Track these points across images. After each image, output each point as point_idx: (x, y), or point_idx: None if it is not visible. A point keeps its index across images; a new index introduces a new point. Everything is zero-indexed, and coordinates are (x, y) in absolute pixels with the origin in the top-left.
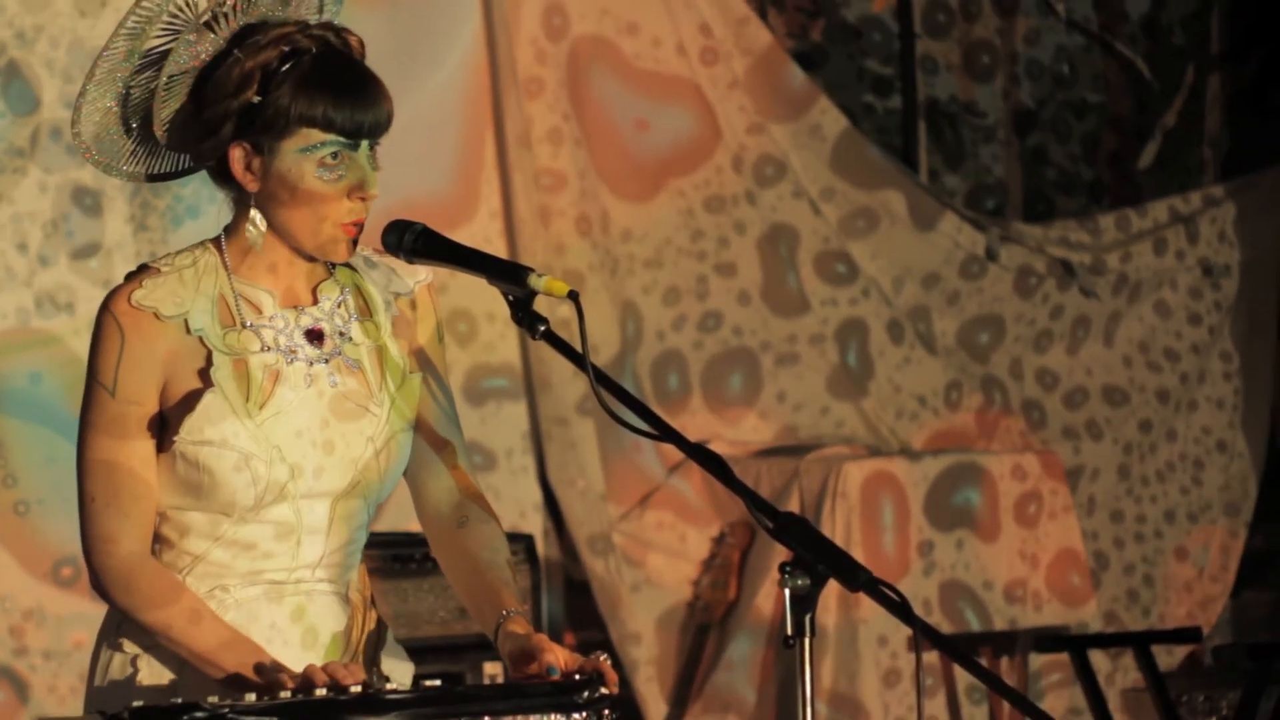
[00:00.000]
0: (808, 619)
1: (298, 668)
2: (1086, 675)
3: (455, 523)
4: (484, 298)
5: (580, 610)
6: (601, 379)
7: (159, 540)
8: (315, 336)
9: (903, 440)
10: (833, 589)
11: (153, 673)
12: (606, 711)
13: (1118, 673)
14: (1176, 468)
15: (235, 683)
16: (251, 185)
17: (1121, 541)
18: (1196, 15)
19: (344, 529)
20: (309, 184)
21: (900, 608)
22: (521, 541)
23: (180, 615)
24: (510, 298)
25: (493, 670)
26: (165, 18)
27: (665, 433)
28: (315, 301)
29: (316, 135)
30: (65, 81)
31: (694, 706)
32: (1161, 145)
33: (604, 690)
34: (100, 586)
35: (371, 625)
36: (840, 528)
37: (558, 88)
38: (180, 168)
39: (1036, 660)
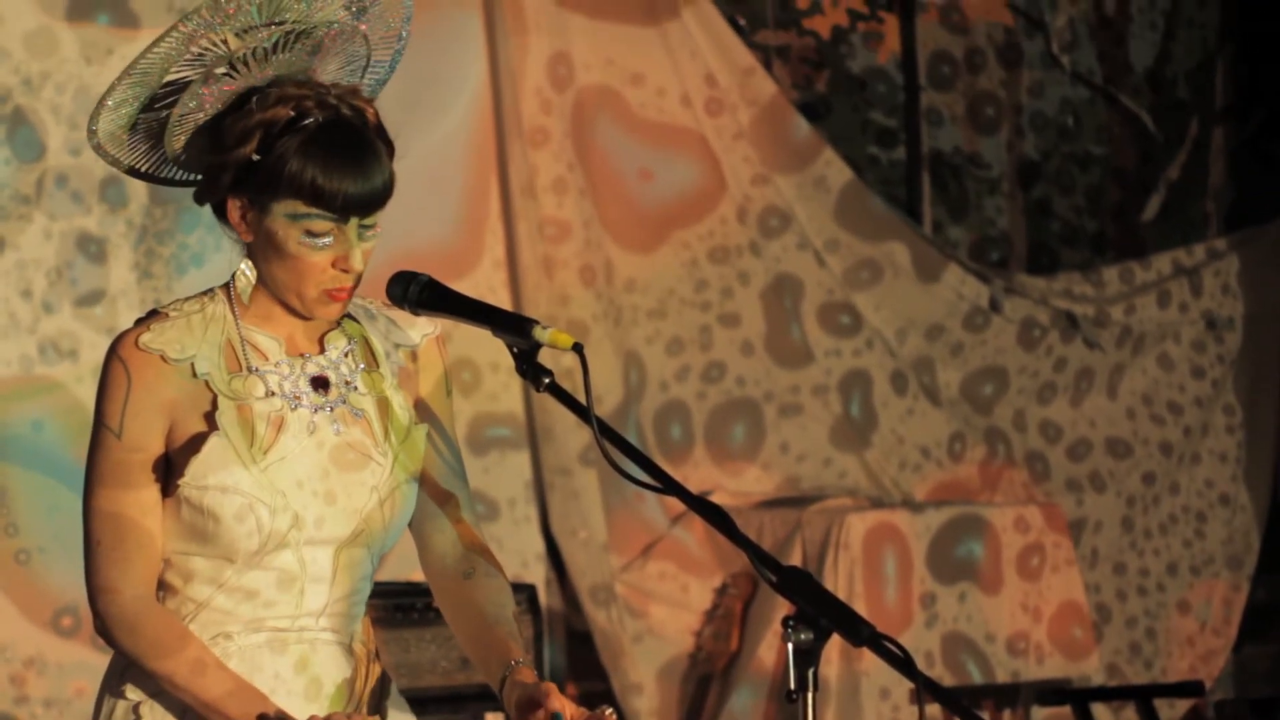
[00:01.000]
0: (811, 673)
1: (302, 718)
2: None
3: (461, 574)
4: (488, 347)
5: (582, 660)
6: (605, 431)
7: (163, 586)
8: (320, 384)
9: (905, 492)
10: (836, 641)
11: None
12: None
13: None
14: (1179, 520)
15: None
16: (245, 236)
17: (1124, 594)
18: (1201, 68)
19: (347, 578)
20: (293, 249)
21: (904, 663)
22: (524, 591)
23: (185, 664)
24: (515, 350)
25: None
26: (197, 48)
27: (668, 485)
28: (322, 350)
29: (303, 206)
30: (71, 128)
31: None
32: (1165, 198)
33: None
34: (105, 632)
35: (376, 677)
36: (843, 579)
37: (562, 138)
38: (188, 178)
39: (1039, 713)
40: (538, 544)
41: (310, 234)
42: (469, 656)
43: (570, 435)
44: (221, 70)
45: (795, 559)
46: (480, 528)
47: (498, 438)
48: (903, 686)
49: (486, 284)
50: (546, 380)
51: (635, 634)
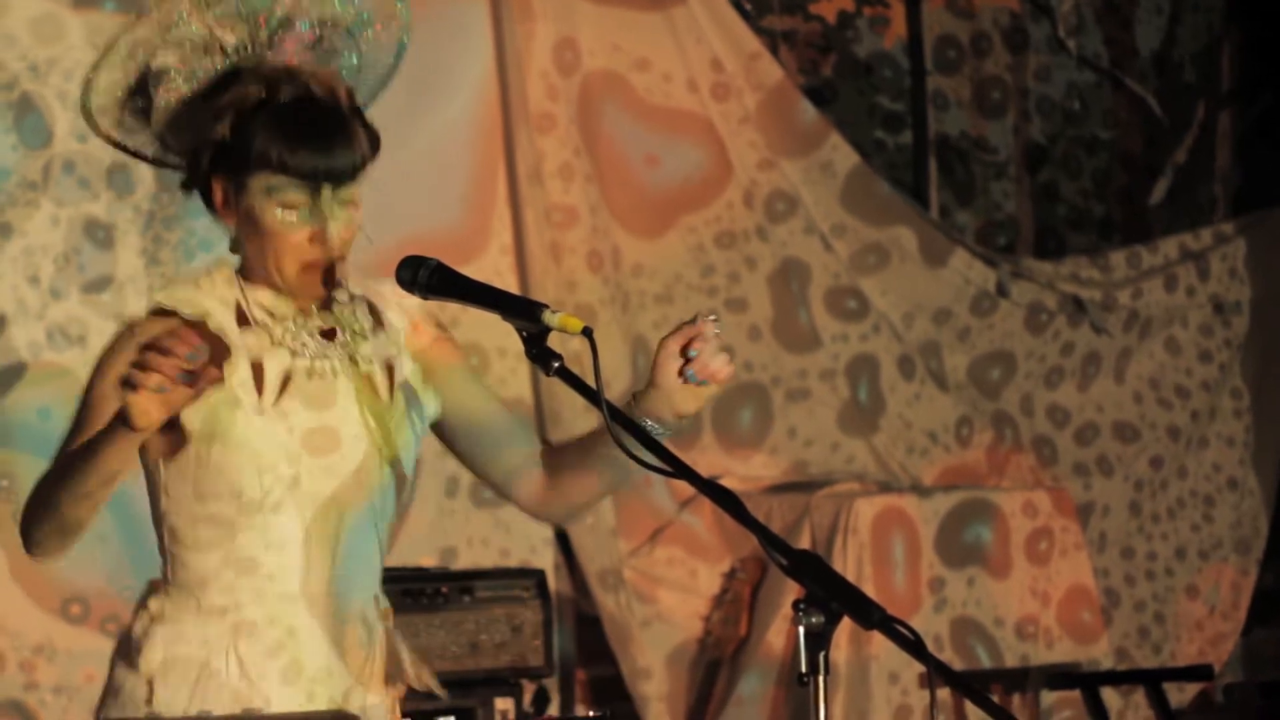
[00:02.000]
0: (822, 657)
1: (301, 691)
2: (1098, 712)
3: (549, 470)
4: (495, 332)
5: (591, 645)
6: (615, 415)
7: (171, 559)
8: (328, 335)
9: (913, 476)
10: (845, 625)
11: (168, 693)
12: None
13: (1129, 710)
14: (1187, 505)
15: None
16: (228, 219)
17: (1132, 579)
18: (1207, 52)
19: (353, 541)
20: (269, 224)
21: (914, 645)
22: (532, 576)
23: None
24: (524, 334)
25: (504, 706)
26: (178, 33)
27: (679, 469)
28: (327, 306)
29: (274, 178)
30: (78, 115)
31: None
32: (1172, 182)
33: None
34: (26, 533)
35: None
36: (851, 564)
37: (569, 123)
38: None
39: (1048, 697)
40: (546, 529)
41: (284, 207)
42: (597, 470)
43: (578, 420)
44: (202, 55)
45: (804, 544)
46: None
47: None
48: (912, 670)
49: (493, 269)
50: (556, 364)
51: (644, 619)
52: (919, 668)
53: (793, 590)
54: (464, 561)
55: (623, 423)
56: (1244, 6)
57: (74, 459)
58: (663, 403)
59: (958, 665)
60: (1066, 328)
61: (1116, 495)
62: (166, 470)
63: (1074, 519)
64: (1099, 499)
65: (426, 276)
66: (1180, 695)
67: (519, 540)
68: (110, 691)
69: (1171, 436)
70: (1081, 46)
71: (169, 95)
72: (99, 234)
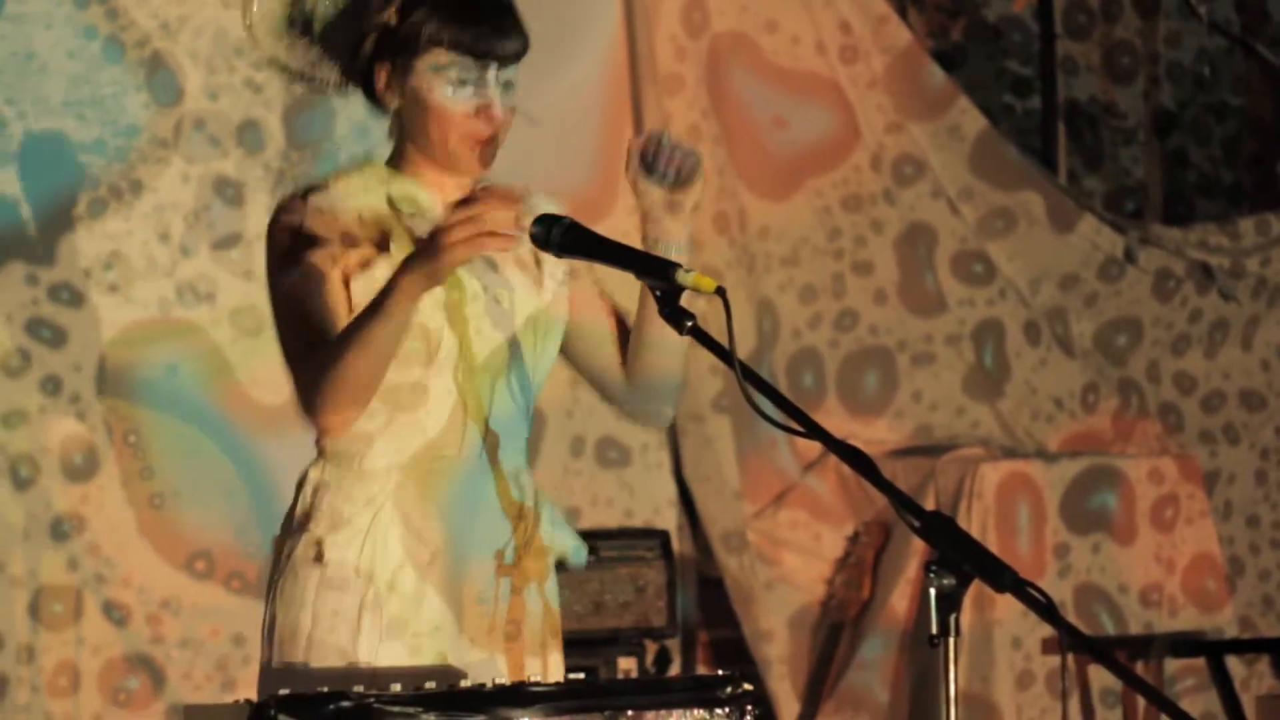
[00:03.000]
0: (953, 619)
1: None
2: (1223, 681)
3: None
4: (620, 294)
5: (713, 607)
6: (748, 375)
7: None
8: None
9: (1038, 442)
10: (968, 589)
11: (337, 553)
12: (749, 707)
13: (1253, 679)
14: None
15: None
16: (391, 102)
17: (1257, 547)
18: None
19: (502, 408)
20: (436, 101)
21: (1046, 609)
22: (656, 537)
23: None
24: (657, 292)
25: (627, 665)
26: None
27: (811, 429)
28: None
29: (445, 56)
30: (209, 72)
31: (826, 705)
32: None
33: (747, 686)
34: (312, 406)
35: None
36: (976, 529)
37: (696, 84)
38: (331, 80)
39: (1171, 665)
40: (670, 490)
41: (453, 84)
42: (650, 348)
43: (703, 382)
44: None
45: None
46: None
47: None
48: (1034, 636)
49: (620, 230)
50: (689, 323)
51: (767, 581)
52: (1042, 633)
53: (917, 555)
54: (587, 522)
55: (755, 382)
56: None
57: (366, 323)
58: (656, 227)
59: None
60: (1194, 295)
61: (1243, 463)
62: None
63: (1200, 486)
64: (1224, 467)
65: (560, 234)
66: None
67: (643, 501)
68: (280, 564)
69: None
70: (1212, 12)
71: None
72: (229, 191)
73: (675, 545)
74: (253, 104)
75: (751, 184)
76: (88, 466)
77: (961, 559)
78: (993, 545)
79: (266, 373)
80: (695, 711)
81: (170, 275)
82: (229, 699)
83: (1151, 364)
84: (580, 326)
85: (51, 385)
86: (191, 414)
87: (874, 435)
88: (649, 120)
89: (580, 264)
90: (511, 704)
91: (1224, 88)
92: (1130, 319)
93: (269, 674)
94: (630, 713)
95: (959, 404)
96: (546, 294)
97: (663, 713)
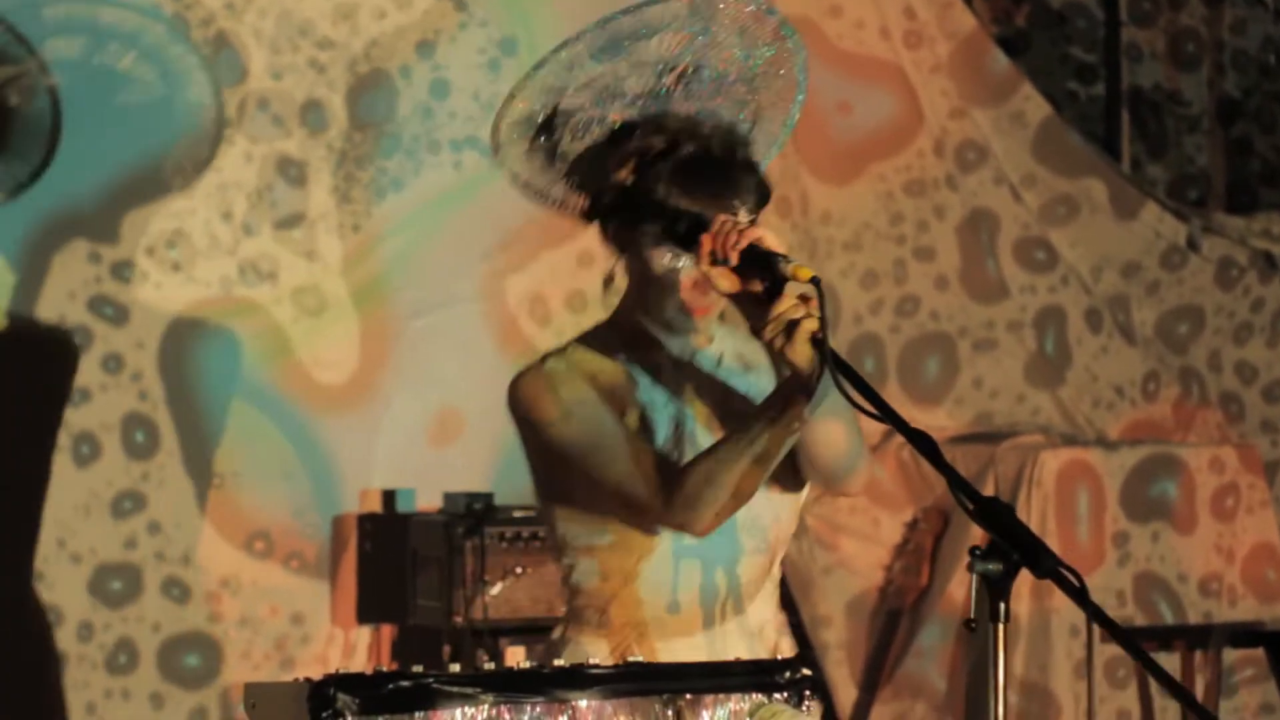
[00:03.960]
0: (1002, 606)
1: None
2: None
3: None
4: None
5: None
6: (837, 361)
7: (572, 588)
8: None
9: (1099, 430)
10: (1027, 577)
11: None
12: (807, 692)
13: None
14: None
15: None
16: (616, 254)
17: None
18: None
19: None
20: (656, 269)
21: (1078, 592)
22: None
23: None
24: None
25: None
26: (584, 76)
27: (885, 412)
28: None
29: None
30: (273, 52)
31: (884, 691)
32: None
33: (805, 671)
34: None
35: None
36: (1035, 516)
37: None
38: (570, 207)
39: (1230, 655)
40: None
41: (673, 253)
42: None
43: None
44: (609, 101)
45: (988, 495)
46: None
47: None
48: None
49: None
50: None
51: (825, 566)
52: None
53: (975, 541)
54: None
55: (839, 365)
56: None
57: (743, 445)
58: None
59: (1140, 620)
60: (1257, 284)
61: None
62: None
63: (1261, 476)
64: None
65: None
66: None
67: None
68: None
69: None
70: (1277, 0)
71: (576, 137)
72: (291, 171)
73: None
74: (316, 84)
75: (814, 168)
76: (149, 444)
77: (1010, 545)
78: (1052, 533)
79: (327, 352)
80: (754, 695)
81: (232, 254)
82: (287, 678)
83: (1213, 353)
84: None
85: (113, 363)
86: (252, 394)
87: (934, 422)
88: None
89: None
90: (569, 686)
91: None
92: (1192, 307)
93: None
94: (689, 696)
95: (1020, 391)
96: None
97: (721, 696)
